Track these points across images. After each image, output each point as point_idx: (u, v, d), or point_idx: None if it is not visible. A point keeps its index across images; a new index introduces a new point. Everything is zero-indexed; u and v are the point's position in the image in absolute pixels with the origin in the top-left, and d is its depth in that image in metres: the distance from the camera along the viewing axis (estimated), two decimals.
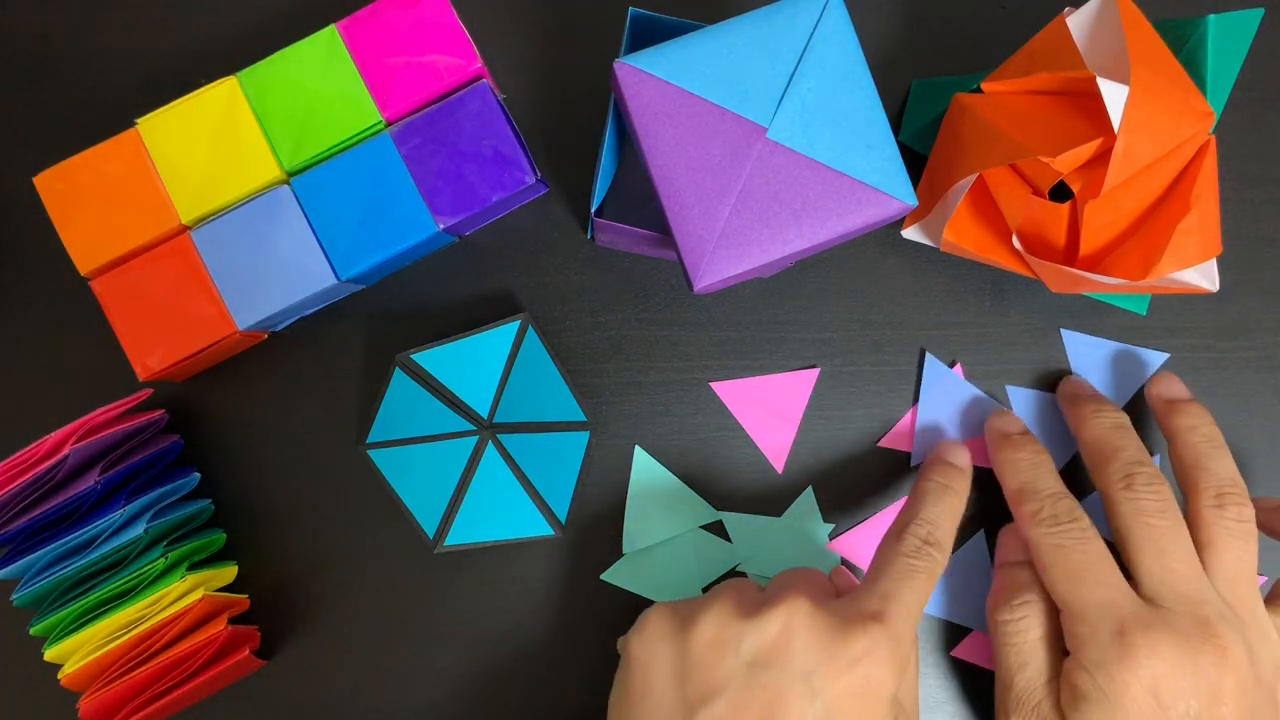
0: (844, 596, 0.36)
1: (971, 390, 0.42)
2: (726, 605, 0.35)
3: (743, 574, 0.42)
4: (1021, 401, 0.43)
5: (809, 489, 0.43)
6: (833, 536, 0.42)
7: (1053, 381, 0.43)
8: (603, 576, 0.42)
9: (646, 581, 0.42)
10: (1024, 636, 0.37)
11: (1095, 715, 0.34)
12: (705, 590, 0.42)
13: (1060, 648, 0.37)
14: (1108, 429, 0.39)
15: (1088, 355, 0.43)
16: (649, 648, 0.35)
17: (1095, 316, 0.43)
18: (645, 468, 0.42)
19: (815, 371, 0.43)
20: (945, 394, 0.43)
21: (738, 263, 0.34)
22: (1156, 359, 0.43)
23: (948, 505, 0.38)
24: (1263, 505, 0.40)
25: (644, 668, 0.35)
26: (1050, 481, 0.39)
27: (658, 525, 0.42)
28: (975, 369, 0.43)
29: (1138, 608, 0.35)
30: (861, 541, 0.42)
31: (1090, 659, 0.35)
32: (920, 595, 0.35)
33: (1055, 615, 0.37)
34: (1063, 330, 0.43)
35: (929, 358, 0.43)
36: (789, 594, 0.34)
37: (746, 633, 0.34)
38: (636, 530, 0.42)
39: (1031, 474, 0.39)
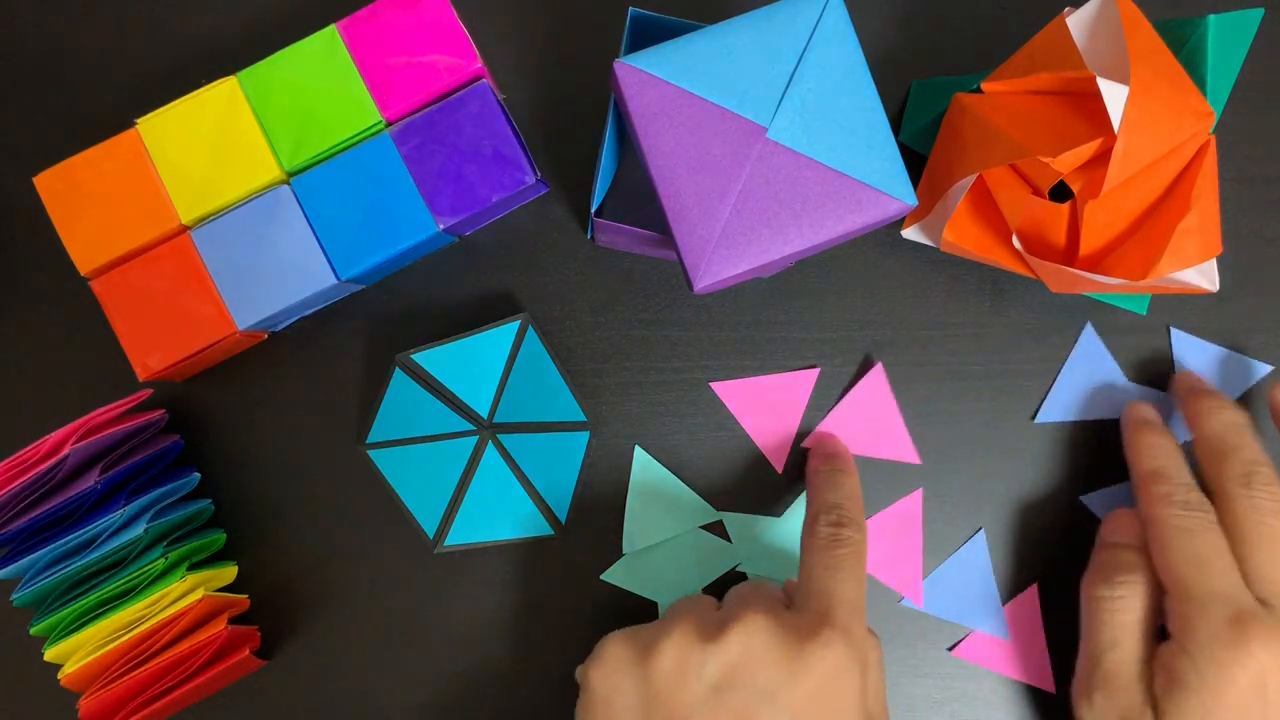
0: (795, 606, 0.36)
1: (1118, 372, 0.43)
2: (686, 630, 0.34)
3: (743, 574, 0.42)
4: (1188, 347, 0.43)
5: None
6: None
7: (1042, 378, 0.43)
8: (603, 576, 0.42)
9: (646, 581, 0.42)
10: (1122, 616, 0.37)
11: (1194, 703, 0.34)
12: (706, 590, 0.42)
13: (1153, 637, 0.37)
14: (1228, 426, 0.39)
15: (1193, 357, 0.43)
16: (609, 679, 0.34)
17: (1095, 316, 0.43)
18: (645, 467, 0.42)
19: (815, 371, 0.43)
20: (1091, 368, 0.43)
21: (738, 263, 0.34)
22: (1261, 369, 0.43)
23: (845, 486, 0.39)
24: None
25: (605, 701, 0.34)
26: (1186, 472, 0.39)
27: (657, 525, 0.42)
28: (975, 369, 0.43)
29: (1254, 604, 0.35)
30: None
31: (1198, 641, 0.34)
32: (854, 582, 0.36)
33: (1156, 602, 0.37)
34: (1171, 329, 0.43)
35: (1088, 329, 0.43)
36: (745, 612, 0.34)
37: (708, 657, 0.33)
38: (636, 530, 0.42)
39: (1170, 460, 0.39)
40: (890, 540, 0.42)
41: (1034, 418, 0.43)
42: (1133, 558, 0.38)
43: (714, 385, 0.43)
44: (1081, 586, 0.39)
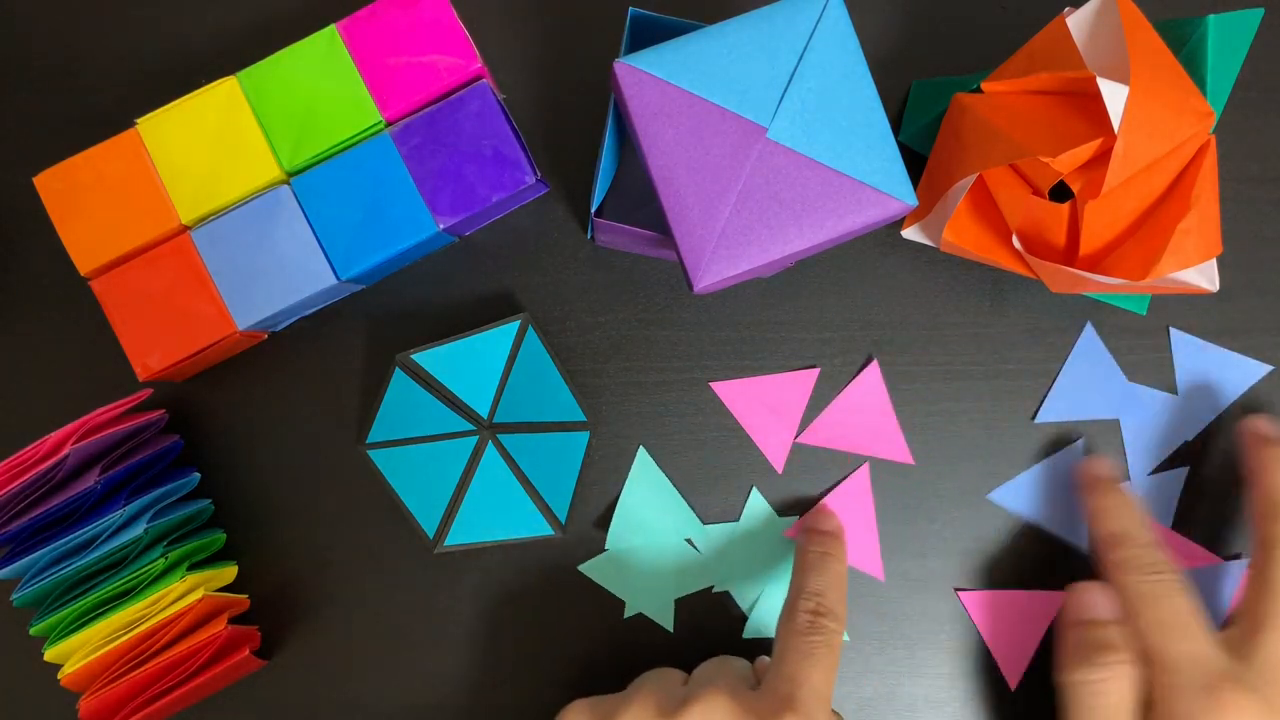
0: (761, 687, 0.36)
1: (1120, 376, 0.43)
2: (646, 704, 0.35)
3: (718, 594, 0.42)
4: (1188, 347, 0.43)
5: (754, 489, 0.43)
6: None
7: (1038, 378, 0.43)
8: (580, 568, 0.42)
9: (621, 582, 0.42)
10: (1106, 700, 0.35)
11: None
12: (677, 602, 0.42)
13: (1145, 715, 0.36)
14: (1122, 518, 0.39)
15: (1193, 357, 0.43)
16: None
17: (1095, 316, 0.43)
18: (645, 469, 0.42)
19: (815, 371, 0.43)
20: (1091, 368, 0.43)
21: (738, 263, 0.34)
22: (1259, 369, 0.43)
23: (831, 572, 0.38)
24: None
25: None
26: (1145, 531, 0.38)
27: (644, 528, 0.42)
28: (975, 369, 0.43)
29: (1227, 665, 0.34)
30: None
31: (1178, 711, 0.34)
32: (824, 671, 0.35)
33: (1144, 679, 0.36)
34: (1171, 329, 0.43)
35: (1088, 329, 0.43)
36: (708, 691, 0.34)
37: None
38: (622, 528, 0.42)
39: (1127, 521, 0.39)
40: (861, 415, 0.42)
41: (1034, 418, 0.43)
42: (1111, 633, 0.36)
43: (714, 385, 0.43)
44: (1056, 673, 0.37)
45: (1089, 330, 0.43)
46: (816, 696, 0.35)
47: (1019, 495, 0.43)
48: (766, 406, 0.43)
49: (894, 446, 0.43)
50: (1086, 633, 0.37)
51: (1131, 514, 0.39)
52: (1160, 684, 0.35)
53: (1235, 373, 0.43)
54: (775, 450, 0.43)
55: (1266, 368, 0.43)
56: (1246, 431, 0.41)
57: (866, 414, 0.43)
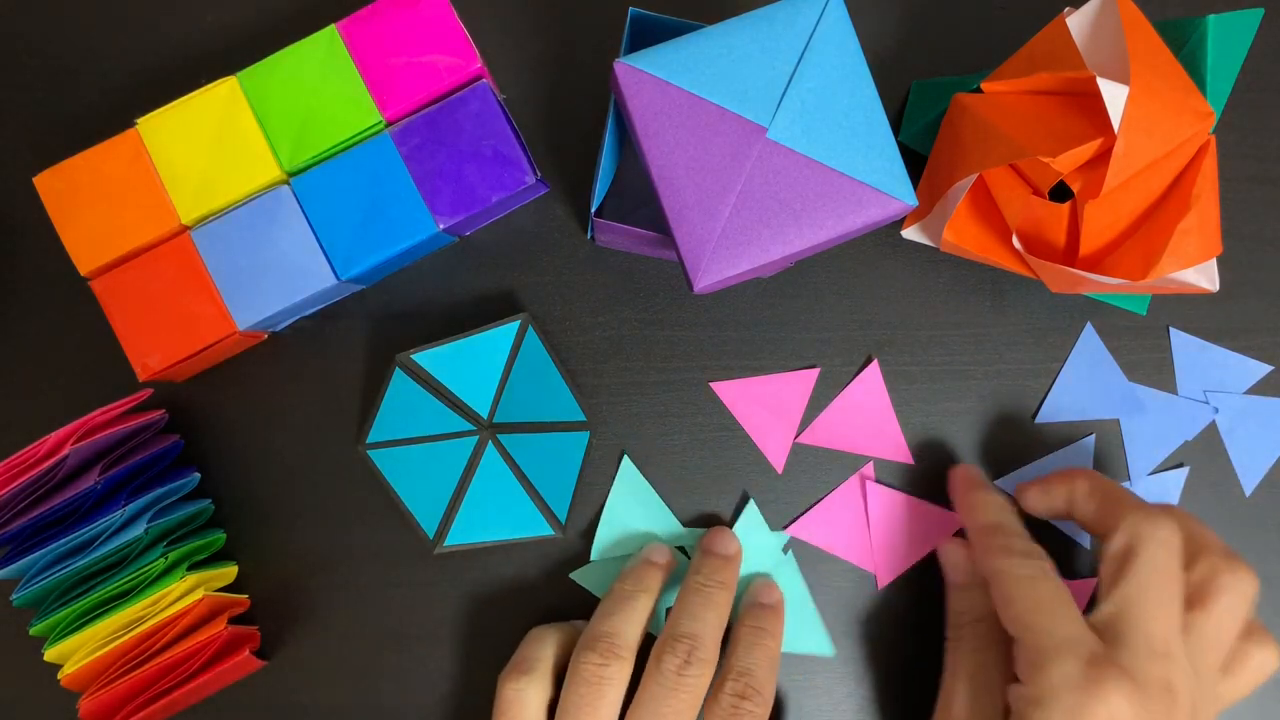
0: None
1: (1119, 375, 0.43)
2: None
3: None
4: (1183, 345, 0.43)
5: (750, 500, 0.42)
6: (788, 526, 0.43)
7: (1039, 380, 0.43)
8: (572, 575, 0.42)
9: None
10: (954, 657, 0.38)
11: None
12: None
13: (999, 682, 0.37)
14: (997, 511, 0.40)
15: (1191, 358, 0.43)
16: None
17: (1095, 316, 0.43)
18: (629, 479, 0.42)
19: (815, 371, 0.43)
20: (1092, 368, 0.43)
21: (738, 263, 0.34)
22: (1261, 369, 0.43)
23: (763, 649, 0.39)
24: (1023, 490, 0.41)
25: None
26: (1018, 524, 0.39)
27: (626, 540, 0.42)
28: (975, 369, 0.43)
29: (1101, 647, 0.34)
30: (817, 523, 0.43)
31: (1052, 687, 0.34)
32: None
33: (1003, 645, 0.37)
34: (1170, 329, 0.43)
35: (1088, 329, 0.43)
36: None
37: None
38: (607, 538, 0.42)
39: (1001, 515, 0.39)
40: (861, 415, 0.43)
41: (1034, 417, 0.43)
42: (976, 597, 0.39)
43: (714, 385, 0.43)
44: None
45: (1089, 330, 0.43)
46: None
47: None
48: (766, 407, 0.43)
49: (894, 447, 0.43)
50: (957, 597, 0.40)
51: (1005, 509, 0.40)
52: (1031, 662, 0.35)
53: (1235, 372, 0.43)
54: (775, 450, 0.43)
55: (1267, 368, 0.43)
56: (955, 480, 0.42)
57: (867, 414, 0.43)
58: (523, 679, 0.37)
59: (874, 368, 0.42)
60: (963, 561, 0.40)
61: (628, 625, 0.38)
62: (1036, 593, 0.36)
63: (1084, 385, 0.43)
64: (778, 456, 0.43)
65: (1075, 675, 0.34)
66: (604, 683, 0.36)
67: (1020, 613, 0.36)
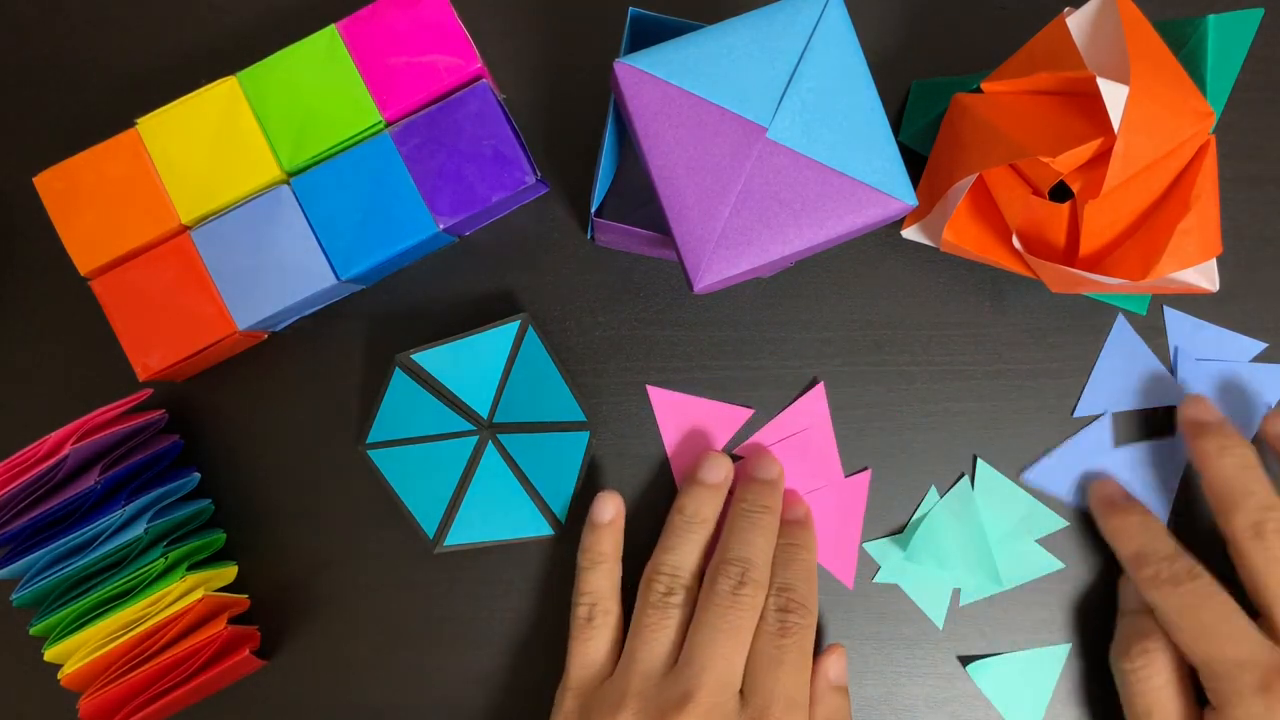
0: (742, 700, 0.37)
1: (1153, 361, 0.42)
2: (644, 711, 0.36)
3: None
4: (1178, 323, 0.43)
5: None
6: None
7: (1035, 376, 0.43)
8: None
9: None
10: (1148, 684, 0.37)
11: None
12: None
13: (1190, 689, 0.37)
14: (1235, 468, 0.38)
15: (1188, 336, 0.43)
16: None
17: (1095, 316, 0.43)
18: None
19: (749, 412, 0.42)
20: (1127, 360, 0.43)
21: (738, 263, 0.34)
22: (1254, 347, 0.43)
23: (799, 563, 0.39)
24: None
25: None
26: (1164, 543, 0.38)
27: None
28: (975, 369, 0.43)
29: (1277, 657, 0.35)
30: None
31: (1239, 716, 0.34)
32: (797, 674, 0.37)
33: (1180, 660, 0.37)
34: (1166, 308, 0.43)
35: (1120, 320, 0.43)
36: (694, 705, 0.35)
37: None
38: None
39: (1144, 537, 0.39)
40: (833, 519, 0.42)
41: (1073, 412, 0.43)
42: (1146, 623, 0.38)
43: (650, 389, 0.42)
44: (1110, 659, 0.39)
45: (1121, 321, 0.43)
46: (792, 707, 0.35)
47: (1051, 475, 0.43)
48: (693, 427, 0.42)
49: (830, 471, 0.42)
50: (1127, 623, 0.39)
51: (1148, 529, 0.39)
52: (1211, 690, 0.35)
53: (1233, 350, 0.43)
54: (682, 470, 0.42)
55: (1261, 345, 0.43)
56: (1184, 419, 0.41)
57: (807, 440, 0.42)
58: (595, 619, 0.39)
59: (819, 390, 0.42)
60: (1133, 590, 0.40)
61: (688, 559, 0.39)
62: (1198, 619, 0.36)
63: (1120, 377, 0.43)
64: (683, 476, 0.42)
65: (1253, 700, 0.34)
66: (669, 607, 0.38)
67: (1187, 641, 0.36)
